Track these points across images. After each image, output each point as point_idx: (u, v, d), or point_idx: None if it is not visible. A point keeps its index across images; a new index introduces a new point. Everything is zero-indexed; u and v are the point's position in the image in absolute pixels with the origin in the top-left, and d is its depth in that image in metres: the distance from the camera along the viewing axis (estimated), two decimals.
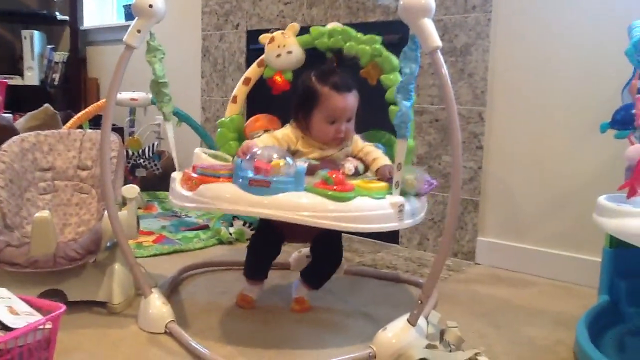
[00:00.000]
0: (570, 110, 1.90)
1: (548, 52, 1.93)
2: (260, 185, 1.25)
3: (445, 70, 1.21)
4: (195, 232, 2.34)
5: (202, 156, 1.55)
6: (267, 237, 1.60)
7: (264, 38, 1.70)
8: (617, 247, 1.47)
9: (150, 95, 2.58)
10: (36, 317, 1.09)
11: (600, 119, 1.48)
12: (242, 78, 1.75)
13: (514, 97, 2.02)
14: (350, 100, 1.51)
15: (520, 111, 2.01)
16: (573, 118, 1.90)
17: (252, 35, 2.73)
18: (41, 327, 1.06)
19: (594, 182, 1.85)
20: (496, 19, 2.02)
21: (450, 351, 1.31)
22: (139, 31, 1.37)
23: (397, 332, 1.29)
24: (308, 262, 1.71)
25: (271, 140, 1.49)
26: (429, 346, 1.29)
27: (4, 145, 1.65)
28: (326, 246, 1.59)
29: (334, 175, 1.29)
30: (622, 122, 1.40)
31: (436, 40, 1.20)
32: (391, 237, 2.32)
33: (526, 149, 2.00)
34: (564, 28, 1.90)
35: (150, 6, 1.37)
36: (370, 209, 1.28)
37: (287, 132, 1.53)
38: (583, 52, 1.87)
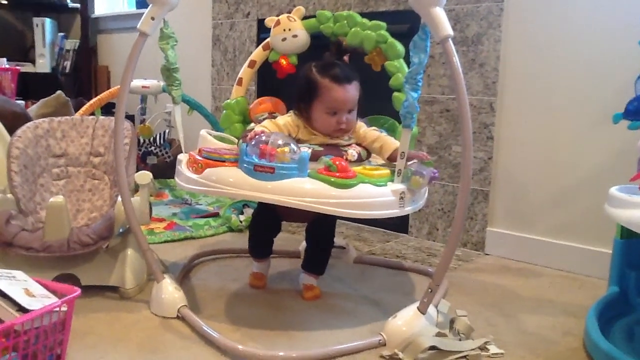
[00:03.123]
0: (582, 100, 1.89)
1: (560, 42, 1.92)
2: (264, 171, 1.26)
3: (456, 59, 1.22)
4: (205, 219, 2.36)
5: (208, 138, 1.56)
6: (266, 218, 1.63)
7: (269, 21, 1.71)
8: (628, 237, 1.47)
9: (161, 83, 2.59)
10: (52, 299, 1.11)
11: (612, 110, 1.48)
12: (248, 61, 1.77)
13: (525, 87, 2.01)
14: (351, 91, 1.50)
15: (531, 102, 2.00)
16: (584, 109, 1.89)
17: (263, 24, 2.72)
18: (57, 309, 1.08)
19: (604, 173, 1.84)
20: (508, 9, 2.01)
21: (460, 340, 1.32)
22: (152, 18, 1.38)
23: (407, 319, 1.30)
24: (304, 252, 1.71)
25: (273, 127, 1.49)
26: (438, 334, 1.29)
27: (18, 132, 1.66)
28: (319, 230, 1.61)
29: (337, 162, 1.30)
30: (635, 112, 1.39)
31: (447, 29, 1.21)
32: (400, 226, 2.32)
33: (537, 139, 2.00)
34: (576, 18, 1.88)
35: None
36: (372, 195, 1.29)
37: (288, 120, 1.53)
38: (596, 42, 1.85)
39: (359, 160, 1.48)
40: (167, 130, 2.90)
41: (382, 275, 1.84)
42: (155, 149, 2.80)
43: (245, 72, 1.76)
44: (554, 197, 1.98)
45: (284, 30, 1.66)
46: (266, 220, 1.64)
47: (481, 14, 2.05)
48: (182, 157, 1.49)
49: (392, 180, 1.34)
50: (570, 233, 1.95)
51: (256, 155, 1.29)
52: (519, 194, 2.06)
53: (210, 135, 1.57)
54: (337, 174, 1.28)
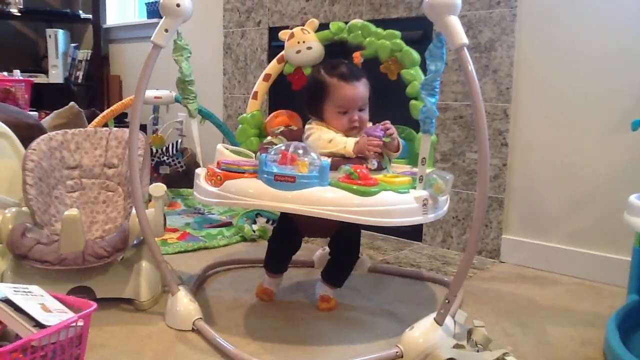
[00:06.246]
0: (597, 107, 1.87)
1: (574, 48, 1.90)
2: (285, 180, 1.25)
3: (471, 67, 1.20)
4: (218, 229, 2.36)
5: (225, 152, 1.56)
6: (287, 232, 1.61)
7: (283, 34, 1.71)
8: None
9: (173, 94, 2.60)
10: (68, 314, 1.10)
11: (629, 117, 1.46)
12: (262, 74, 1.77)
13: (539, 93, 1.99)
14: (360, 89, 1.52)
15: (545, 108, 1.98)
16: (600, 115, 1.87)
17: (274, 32, 2.73)
18: (73, 324, 1.08)
19: (620, 180, 1.82)
20: (521, 14, 1.99)
21: (478, 351, 1.30)
22: (166, 30, 1.39)
23: (424, 331, 1.29)
24: (327, 262, 1.70)
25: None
26: (456, 346, 1.28)
27: (33, 144, 1.67)
28: (344, 242, 1.59)
29: (358, 170, 1.29)
30: None
31: (462, 37, 1.20)
32: (414, 234, 2.31)
33: (552, 146, 1.98)
34: (590, 23, 1.87)
35: (178, 5, 1.38)
36: (394, 203, 1.28)
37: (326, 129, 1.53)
38: (610, 48, 1.83)
39: (379, 168, 1.47)
40: (179, 140, 2.90)
41: (397, 284, 1.83)
42: (167, 158, 2.81)
43: (260, 85, 1.76)
44: (570, 203, 1.96)
45: (298, 42, 1.67)
46: (287, 236, 1.62)
47: (494, 19, 2.04)
48: (200, 171, 1.48)
49: (415, 188, 1.33)
50: (586, 240, 1.92)
51: (276, 164, 1.29)
52: (534, 200, 2.04)
53: (228, 149, 1.57)
54: (359, 182, 1.27)
